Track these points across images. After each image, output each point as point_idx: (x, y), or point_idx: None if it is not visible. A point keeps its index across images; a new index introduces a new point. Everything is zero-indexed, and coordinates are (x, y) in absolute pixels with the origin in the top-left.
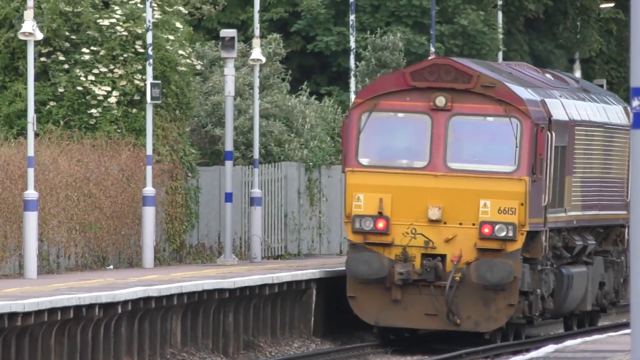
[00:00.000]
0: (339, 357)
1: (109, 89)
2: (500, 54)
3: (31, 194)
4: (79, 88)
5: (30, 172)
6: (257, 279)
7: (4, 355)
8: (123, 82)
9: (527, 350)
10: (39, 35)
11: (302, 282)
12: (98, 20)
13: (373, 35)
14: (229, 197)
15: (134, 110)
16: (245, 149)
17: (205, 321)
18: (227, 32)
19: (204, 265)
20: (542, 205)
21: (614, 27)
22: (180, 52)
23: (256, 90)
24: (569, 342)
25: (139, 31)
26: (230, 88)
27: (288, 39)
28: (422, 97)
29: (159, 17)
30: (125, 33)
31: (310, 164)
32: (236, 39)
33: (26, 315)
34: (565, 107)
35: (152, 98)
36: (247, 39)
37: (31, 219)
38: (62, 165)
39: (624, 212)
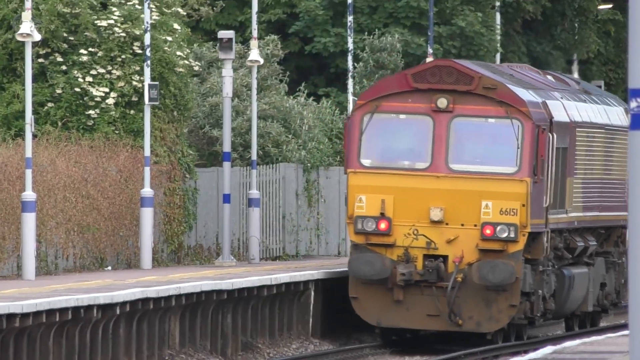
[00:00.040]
0: (337, 358)
1: (106, 90)
2: (498, 56)
3: (29, 195)
4: (77, 89)
5: (28, 173)
6: (255, 280)
7: (2, 356)
8: (121, 84)
9: (526, 352)
10: (37, 37)
11: (301, 284)
12: (96, 22)
13: (371, 37)
14: (227, 199)
15: (132, 112)
16: (243, 150)
17: (204, 322)
18: (225, 34)
19: (202, 267)
20: (543, 207)
21: (611, 29)
22: (178, 53)
23: (254, 92)
24: (568, 343)
25: (137, 32)
26: (228, 89)
27: (286, 40)
28: (424, 99)
29: (156, 18)
30: (123, 34)
31: (309, 165)
32: (234, 40)
33: (24, 316)
34: (566, 109)
35: (150, 99)
36: (245, 41)
37: (29, 220)
38: (60, 166)
39: (625, 213)
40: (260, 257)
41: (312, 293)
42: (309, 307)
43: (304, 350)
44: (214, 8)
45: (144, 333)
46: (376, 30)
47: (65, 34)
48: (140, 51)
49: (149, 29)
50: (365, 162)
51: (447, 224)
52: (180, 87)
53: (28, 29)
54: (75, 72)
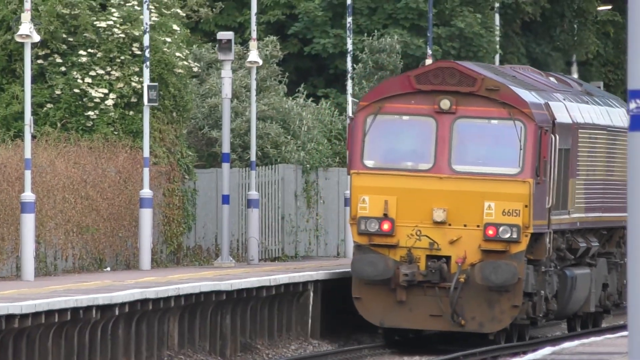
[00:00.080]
0: (336, 358)
1: (106, 91)
2: (497, 57)
3: (28, 196)
4: (76, 90)
5: (28, 174)
6: (254, 281)
7: (1, 357)
8: (120, 85)
9: (525, 353)
10: (36, 38)
11: (299, 284)
12: (95, 23)
13: (370, 38)
14: (226, 199)
15: (131, 113)
16: (242, 151)
17: (203, 323)
18: (224, 35)
19: (201, 268)
20: (546, 207)
21: (611, 30)
22: (177, 54)
23: (253, 93)
24: (566, 344)
25: (136, 33)
26: (227, 90)
27: (285, 42)
28: (427, 100)
29: (156, 19)
30: (123, 35)
31: (308, 166)
32: (233, 41)
33: (23, 317)
34: (568, 110)
35: (149, 100)
36: (244, 42)
37: (28, 221)
38: (59, 167)
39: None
40: (259, 258)
41: (311, 294)
42: (308, 308)
43: (303, 351)
44: (213, 9)
45: (143, 334)
46: (375, 31)
47: (64, 35)
48: (139, 52)
49: (148, 30)
50: (369, 163)
51: (449, 224)
52: (179, 88)
53: (27, 30)
54: (75, 73)
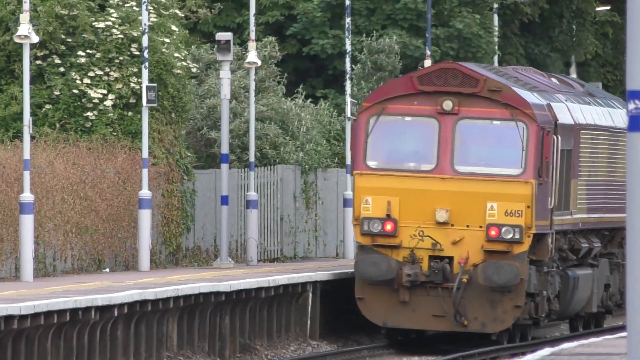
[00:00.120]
0: (335, 359)
1: (104, 92)
2: (495, 58)
3: (27, 196)
4: (75, 91)
5: (26, 175)
6: (254, 282)
7: (0, 358)
8: (119, 85)
9: (524, 353)
10: (35, 38)
11: (299, 285)
12: (94, 23)
13: (369, 39)
14: (224, 200)
15: (130, 113)
16: (240, 152)
17: (202, 324)
18: (222, 35)
19: (200, 268)
20: (548, 208)
21: (609, 30)
22: (176, 54)
23: (252, 93)
24: (565, 345)
25: (135, 34)
26: (226, 91)
27: (284, 42)
28: (430, 101)
29: (154, 20)
30: (121, 36)
31: (306, 166)
32: (232, 42)
33: (22, 318)
34: (570, 111)
35: (148, 101)
36: (242, 42)
37: (27, 222)
38: (58, 168)
39: None
40: (258, 258)
41: (310, 295)
42: (307, 308)
43: (302, 352)
44: (212, 10)
45: (142, 335)
46: (374, 32)
47: (63, 36)
48: (138, 53)
49: (146, 30)
50: (372, 163)
51: (452, 225)
52: (178, 88)
53: (26, 31)
54: (73, 73)
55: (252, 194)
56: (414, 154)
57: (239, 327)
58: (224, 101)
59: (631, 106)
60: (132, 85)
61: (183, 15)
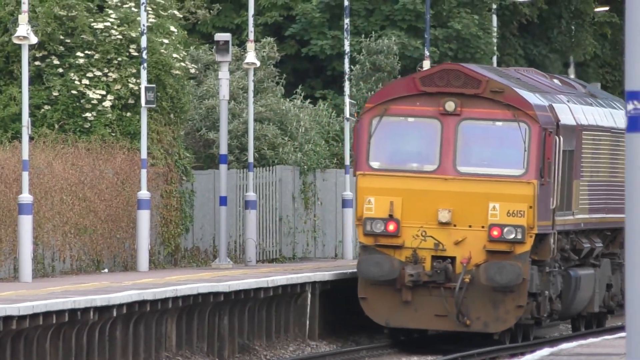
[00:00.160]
0: None
1: (103, 92)
2: (494, 58)
3: (26, 197)
4: (74, 92)
5: (25, 175)
6: (252, 283)
7: None
8: (117, 86)
9: (523, 354)
10: (34, 39)
11: (297, 286)
12: (92, 24)
13: (367, 39)
14: (223, 201)
15: (129, 114)
16: (239, 153)
17: (200, 324)
18: (221, 36)
19: (199, 269)
20: (550, 208)
21: (608, 31)
22: (175, 55)
23: (250, 94)
24: (564, 345)
25: (134, 35)
26: (224, 92)
27: (283, 43)
28: (432, 102)
29: (153, 20)
30: (120, 37)
31: (305, 167)
32: (230, 42)
33: (21, 318)
34: (572, 112)
35: (147, 102)
36: (241, 43)
37: (26, 223)
38: (56, 168)
39: None
40: (256, 259)
41: (309, 295)
42: (306, 309)
43: (301, 353)
44: (211, 11)
45: (141, 335)
46: (373, 32)
47: (61, 37)
48: (136, 54)
49: (145, 31)
50: (374, 164)
51: (454, 225)
52: (177, 89)
53: (25, 32)
54: (72, 74)
55: (251, 195)
56: (417, 154)
57: (238, 327)
58: (222, 102)
59: (630, 107)
60: (131, 86)
61: (182, 16)
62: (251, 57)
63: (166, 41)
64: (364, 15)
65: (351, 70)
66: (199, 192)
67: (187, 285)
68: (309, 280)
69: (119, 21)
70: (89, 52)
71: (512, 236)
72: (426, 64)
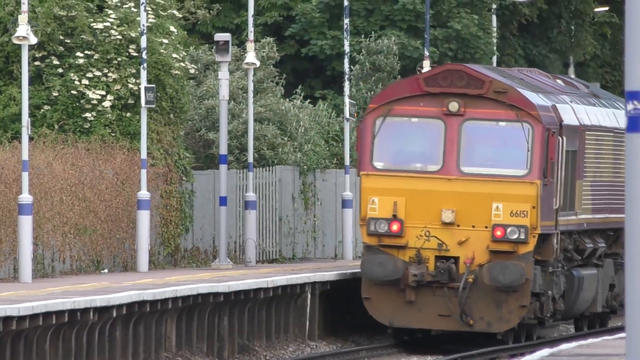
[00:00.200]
0: None
1: (103, 92)
2: (494, 58)
3: (26, 197)
4: (73, 92)
5: (25, 176)
6: (252, 283)
7: None
8: (117, 86)
9: (522, 354)
10: (33, 40)
11: (297, 286)
12: (92, 24)
13: (367, 39)
14: (223, 201)
15: (128, 114)
16: (239, 153)
17: (200, 325)
18: (221, 36)
19: (199, 269)
20: (553, 209)
21: (608, 31)
22: (174, 55)
23: (250, 95)
24: (564, 346)
25: (133, 35)
26: (224, 92)
27: (282, 43)
28: (436, 103)
29: (153, 21)
30: (119, 37)
31: (305, 167)
32: (230, 43)
33: (21, 319)
34: (575, 112)
35: (147, 102)
36: (241, 43)
37: (26, 223)
38: (56, 169)
39: None
40: (256, 259)
41: (309, 295)
42: (306, 309)
43: (300, 353)
44: (211, 11)
45: (141, 336)
46: (372, 32)
47: (61, 37)
48: (136, 54)
49: (145, 31)
50: (378, 164)
51: (458, 225)
52: (176, 89)
53: (24, 32)
54: (72, 74)
55: (251, 195)
56: (420, 154)
57: (238, 327)
58: (222, 102)
59: (630, 107)
60: (131, 86)
61: (181, 16)
62: (251, 57)
63: (166, 41)
64: (364, 15)
65: (351, 70)
66: (199, 193)
67: (187, 285)
68: (309, 280)
69: (118, 21)
70: (89, 52)
71: (516, 236)
72: (426, 64)
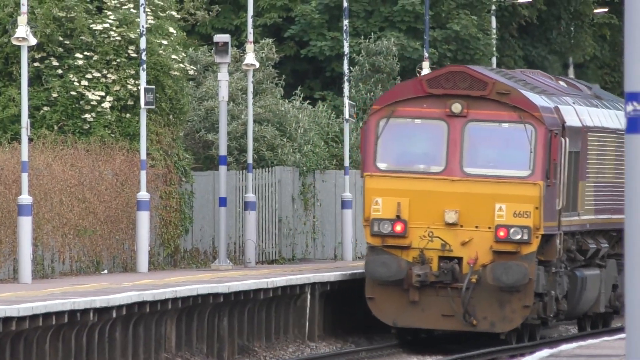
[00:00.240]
0: None
1: (102, 94)
2: (493, 59)
3: (25, 198)
4: (73, 93)
5: (25, 177)
6: (252, 284)
7: None
8: (116, 87)
9: (522, 355)
10: (33, 41)
11: (297, 287)
12: (91, 26)
13: (367, 40)
14: (223, 202)
15: (128, 115)
16: (238, 154)
17: (200, 326)
18: (220, 37)
19: (199, 270)
20: (556, 209)
21: (607, 32)
22: (173, 57)
23: (249, 96)
24: (564, 347)
25: (132, 36)
26: (223, 93)
27: (282, 44)
28: (439, 104)
29: (152, 22)
30: (119, 38)
31: (304, 168)
32: (230, 44)
33: (21, 320)
34: (578, 114)
35: (146, 103)
36: (240, 44)
37: (25, 224)
38: (56, 170)
39: None
40: (256, 260)
41: (309, 296)
42: (306, 310)
43: (300, 354)
44: (210, 12)
45: (141, 336)
46: (372, 34)
47: (60, 38)
48: (135, 55)
49: (144, 32)
50: (382, 165)
51: (461, 226)
52: (175, 90)
53: (24, 33)
54: (71, 75)
55: (250, 196)
56: (424, 156)
57: (238, 328)
58: (221, 103)
59: (629, 108)
60: (130, 87)
61: (180, 17)
62: (250, 58)
63: (165, 42)
64: (363, 16)
65: (350, 71)
66: (199, 194)
67: (187, 286)
68: (309, 281)
69: (117, 22)
70: (88, 54)
71: (519, 237)
72: (425, 65)
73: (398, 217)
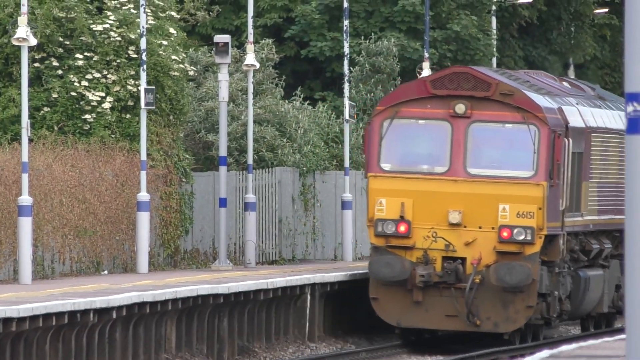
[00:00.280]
0: None
1: (102, 94)
2: (494, 60)
3: (25, 199)
4: (73, 93)
5: (25, 177)
6: (252, 284)
7: None
8: (117, 88)
9: (522, 355)
10: (33, 41)
11: (297, 288)
12: (91, 26)
13: (367, 41)
14: (223, 203)
15: (128, 116)
16: (238, 155)
17: (200, 326)
18: (220, 38)
19: (199, 271)
20: (559, 210)
21: (607, 33)
22: (174, 57)
23: (250, 96)
24: (564, 347)
25: (133, 36)
26: (224, 93)
27: (282, 45)
28: (443, 105)
29: (152, 22)
30: (119, 38)
31: (304, 169)
32: (230, 44)
33: (21, 320)
34: (581, 114)
35: (146, 104)
36: (240, 45)
37: (26, 225)
38: (56, 170)
39: None
40: (256, 261)
41: (309, 297)
42: (306, 311)
43: (300, 354)
44: (210, 13)
45: (141, 337)
46: (372, 34)
47: (60, 39)
48: (135, 55)
49: (144, 33)
50: (385, 166)
51: (465, 226)
52: (176, 91)
53: (24, 34)
54: (71, 76)
55: (250, 197)
56: (427, 156)
57: (238, 329)
58: (222, 104)
59: (629, 108)
60: (130, 87)
61: (180, 17)
62: (250, 58)
63: (165, 43)
64: (364, 16)
65: (350, 71)
66: (199, 194)
67: (187, 287)
68: (309, 282)
69: (118, 23)
70: (88, 54)
71: (522, 237)
72: (425, 66)
73: (402, 217)
